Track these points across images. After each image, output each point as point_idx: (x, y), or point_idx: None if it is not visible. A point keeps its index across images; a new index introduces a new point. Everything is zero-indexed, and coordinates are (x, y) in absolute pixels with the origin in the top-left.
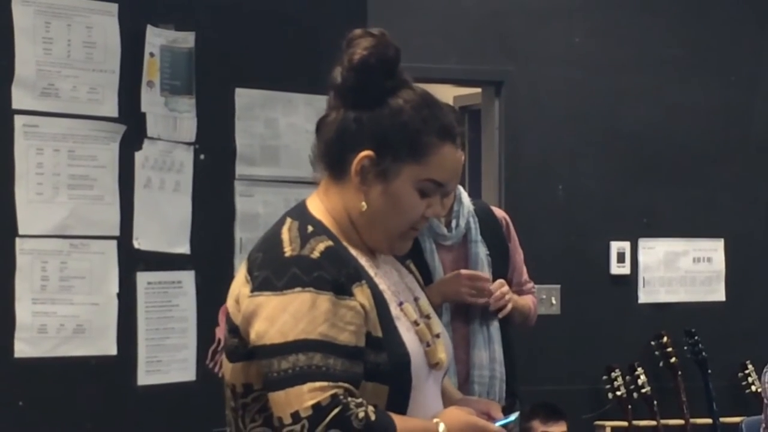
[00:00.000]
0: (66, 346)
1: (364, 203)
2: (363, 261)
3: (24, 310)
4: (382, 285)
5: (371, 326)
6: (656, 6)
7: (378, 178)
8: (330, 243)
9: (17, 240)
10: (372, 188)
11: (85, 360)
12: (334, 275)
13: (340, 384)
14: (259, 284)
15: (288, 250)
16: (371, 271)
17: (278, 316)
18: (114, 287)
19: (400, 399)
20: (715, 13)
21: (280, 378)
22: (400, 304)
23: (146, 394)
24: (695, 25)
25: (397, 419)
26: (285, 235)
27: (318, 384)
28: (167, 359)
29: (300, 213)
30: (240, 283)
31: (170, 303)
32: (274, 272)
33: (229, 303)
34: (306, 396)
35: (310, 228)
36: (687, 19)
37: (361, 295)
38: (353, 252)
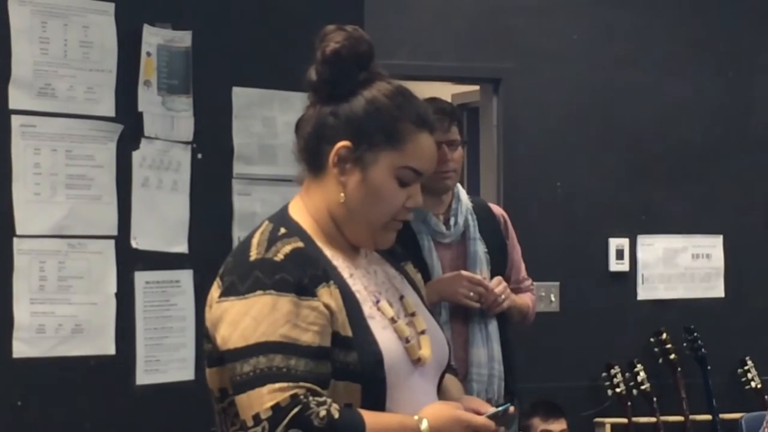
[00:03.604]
0: (64, 346)
1: (342, 194)
2: (339, 262)
3: (22, 310)
4: (357, 285)
5: (339, 326)
6: (654, 3)
7: (356, 167)
8: (299, 245)
9: (15, 240)
10: (350, 178)
11: (83, 360)
12: (297, 277)
13: (302, 384)
14: (226, 289)
15: (253, 254)
16: (346, 272)
17: (240, 320)
18: (112, 287)
19: (375, 397)
20: (712, 10)
21: (242, 381)
22: (377, 302)
23: (145, 393)
24: (693, 22)
25: (368, 415)
26: (255, 239)
27: (278, 385)
28: (166, 358)
29: (279, 216)
30: (213, 288)
31: (168, 302)
32: (239, 277)
33: (206, 308)
34: (266, 398)
35: (282, 230)
36: (685, 16)
37: (327, 296)
38: (329, 253)
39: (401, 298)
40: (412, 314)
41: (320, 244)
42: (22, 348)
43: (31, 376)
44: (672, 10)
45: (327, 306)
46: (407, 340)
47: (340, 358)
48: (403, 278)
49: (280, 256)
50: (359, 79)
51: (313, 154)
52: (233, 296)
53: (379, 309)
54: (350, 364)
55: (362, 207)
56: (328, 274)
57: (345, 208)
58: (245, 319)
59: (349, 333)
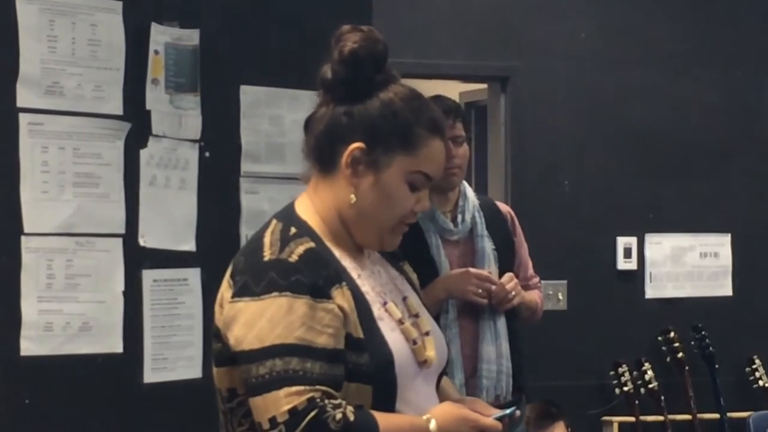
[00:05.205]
0: (72, 344)
1: (353, 195)
2: (347, 262)
3: (30, 308)
4: (366, 286)
5: (352, 328)
6: (662, 1)
7: (369, 169)
8: (311, 245)
9: (23, 238)
10: (363, 180)
11: (91, 358)
12: (313, 278)
13: (318, 387)
14: (239, 289)
15: (267, 254)
16: (354, 273)
17: (255, 322)
18: (120, 285)
19: (385, 398)
20: (721, 8)
21: (258, 383)
22: (384, 304)
23: (152, 391)
24: (701, 20)
25: (381, 417)
26: (267, 238)
27: (294, 388)
28: (173, 356)
29: (286, 214)
30: (224, 287)
31: (176, 300)
32: (253, 277)
33: (216, 307)
34: (282, 401)
35: (293, 230)
36: (693, 14)
37: (341, 297)
38: (337, 253)
39: (404, 299)
40: (416, 315)
41: (329, 243)
42: (29, 346)
43: (38, 374)
44: (680, 9)
45: (341, 308)
46: (414, 342)
47: (352, 360)
48: (403, 278)
49: (294, 257)
50: (375, 80)
51: (324, 153)
52: (247, 297)
53: (387, 310)
54: (362, 366)
55: (372, 209)
56: (340, 275)
57: (355, 209)
58: (260, 320)
59: (361, 334)
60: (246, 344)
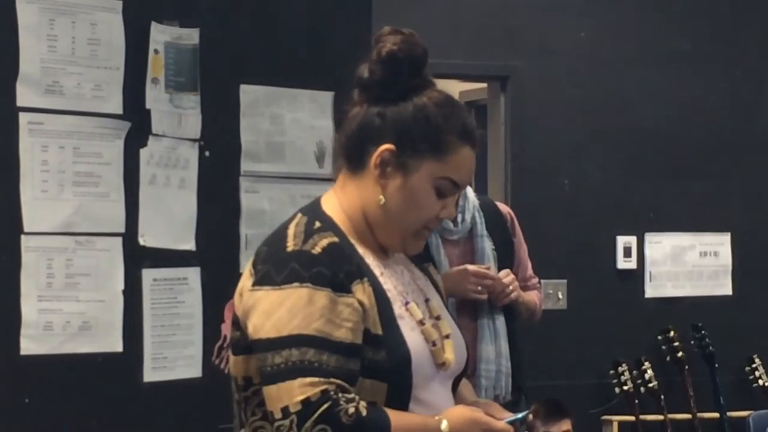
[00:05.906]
0: (72, 343)
1: (382, 197)
2: (370, 260)
3: (30, 308)
4: (387, 284)
5: (370, 323)
6: (662, 1)
7: (397, 172)
8: (334, 239)
9: (23, 237)
10: (390, 182)
11: (91, 357)
12: (334, 271)
13: (332, 380)
14: (260, 278)
15: (290, 245)
16: (377, 270)
17: (275, 311)
18: (120, 284)
19: (399, 396)
20: (721, 8)
21: (272, 372)
22: (406, 303)
23: (152, 390)
24: (701, 20)
25: (393, 415)
26: (291, 230)
27: (309, 379)
28: (173, 356)
29: (312, 209)
30: (245, 276)
31: (176, 299)
32: (275, 266)
33: (235, 295)
34: (296, 391)
35: (317, 224)
36: (693, 14)
37: (361, 292)
38: (361, 250)
39: (426, 300)
40: (437, 317)
41: (353, 240)
42: (29, 345)
43: (38, 373)
44: (680, 7)
45: (360, 303)
46: (434, 344)
47: (369, 356)
48: (426, 279)
49: (317, 249)
50: (411, 84)
51: (354, 153)
52: (268, 285)
53: (408, 310)
54: (379, 363)
55: (398, 211)
56: (362, 271)
57: (382, 210)
58: (280, 309)
59: (380, 331)
60: (264, 332)
